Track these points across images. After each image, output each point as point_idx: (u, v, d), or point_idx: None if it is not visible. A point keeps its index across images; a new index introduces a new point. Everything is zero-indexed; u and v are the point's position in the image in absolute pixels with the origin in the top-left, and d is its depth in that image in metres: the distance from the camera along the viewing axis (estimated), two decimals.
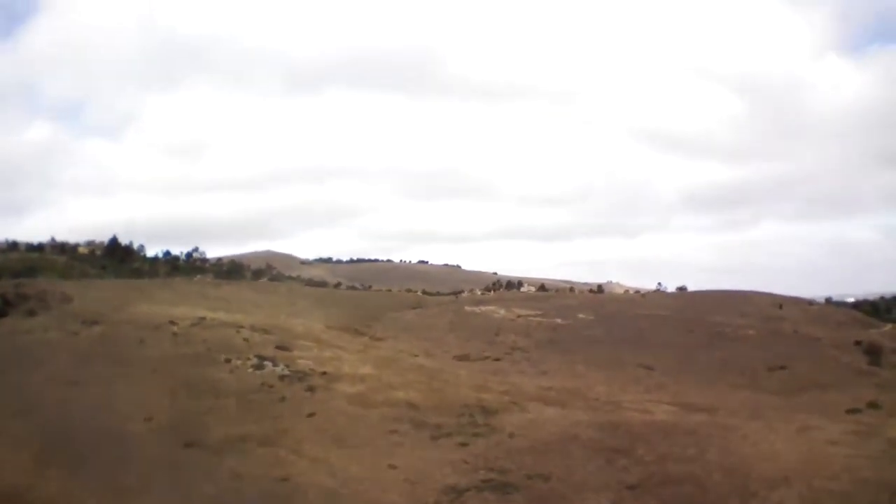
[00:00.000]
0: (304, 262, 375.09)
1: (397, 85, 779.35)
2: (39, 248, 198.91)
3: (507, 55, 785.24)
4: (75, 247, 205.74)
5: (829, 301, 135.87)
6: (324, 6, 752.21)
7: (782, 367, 71.57)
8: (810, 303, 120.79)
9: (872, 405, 53.66)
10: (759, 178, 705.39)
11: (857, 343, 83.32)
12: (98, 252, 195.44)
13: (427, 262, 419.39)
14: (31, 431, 41.18)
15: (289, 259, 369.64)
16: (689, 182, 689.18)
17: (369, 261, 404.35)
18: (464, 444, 43.61)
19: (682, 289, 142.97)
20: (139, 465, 38.47)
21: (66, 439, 40.64)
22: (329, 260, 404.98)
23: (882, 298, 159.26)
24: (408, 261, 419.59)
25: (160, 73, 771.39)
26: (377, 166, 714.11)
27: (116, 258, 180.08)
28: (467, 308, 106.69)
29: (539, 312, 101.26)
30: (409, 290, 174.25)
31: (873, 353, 79.42)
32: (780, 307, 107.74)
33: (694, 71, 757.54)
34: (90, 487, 35.31)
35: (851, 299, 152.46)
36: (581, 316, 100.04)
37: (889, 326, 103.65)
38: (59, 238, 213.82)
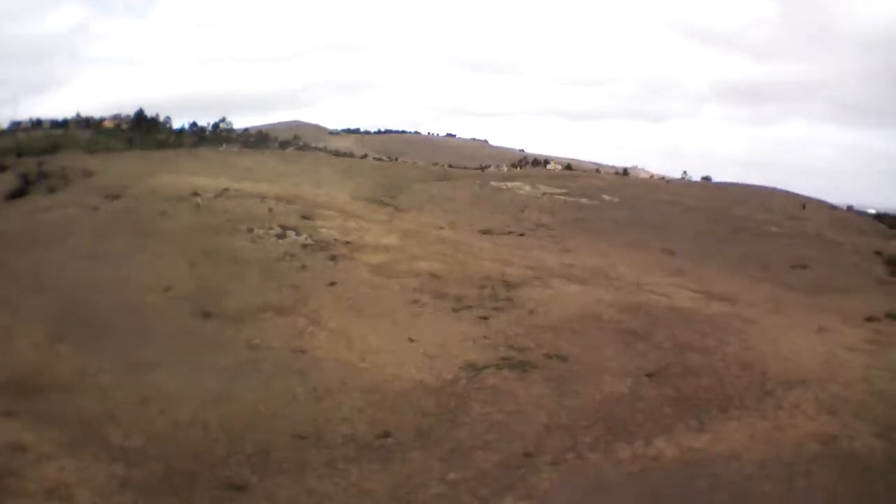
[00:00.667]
0: (332, 133, 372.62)
1: None
2: (64, 124, 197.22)
3: None
4: (100, 121, 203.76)
5: (850, 209, 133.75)
6: None
7: (804, 266, 70.84)
8: (833, 207, 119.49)
9: (891, 316, 53.07)
10: (789, 77, 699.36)
11: (878, 253, 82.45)
12: (124, 126, 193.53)
13: (455, 136, 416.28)
14: (46, 307, 40.75)
15: (317, 129, 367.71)
16: (719, 74, 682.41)
17: (397, 132, 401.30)
18: (484, 318, 43.45)
19: (706, 179, 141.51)
20: (155, 337, 38.33)
21: (81, 314, 40.36)
22: (357, 131, 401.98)
23: None
24: (435, 133, 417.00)
25: None
26: (408, 39, 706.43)
27: (142, 131, 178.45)
28: (493, 183, 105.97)
29: (564, 191, 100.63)
30: (435, 164, 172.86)
31: (893, 263, 78.63)
32: (804, 207, 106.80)
33: None
34: (104, 363, 35.10)
35: (873, 210, 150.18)
36: (606, 197, 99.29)
37: None
38: (85, 114, 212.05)
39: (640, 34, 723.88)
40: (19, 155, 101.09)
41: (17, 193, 68.44)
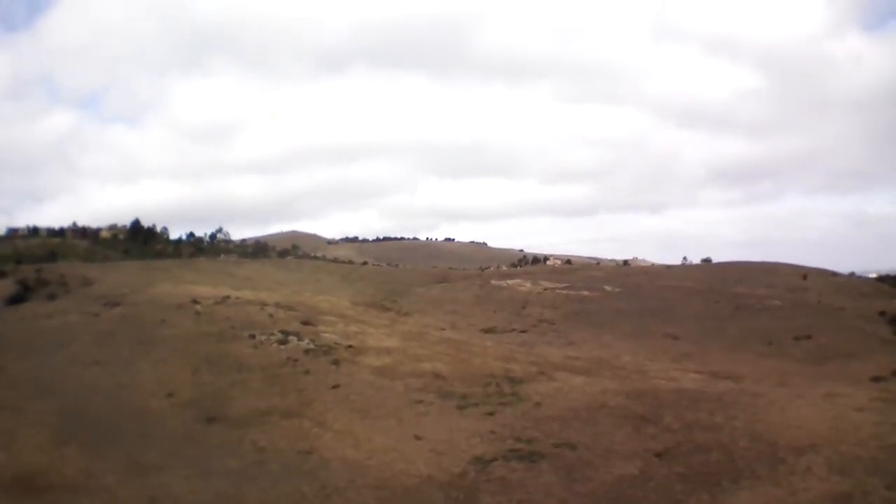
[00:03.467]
0: (331, 242, 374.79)
1: (420, 63, 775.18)
2: (61, 233, 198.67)
3: (529, 31, 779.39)
4: (97, 231, 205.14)
5: (853, 275, 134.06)
6: None
7: (808, 337, 71.04)
8: (834, 274, 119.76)
9: None
10: (782, 152, 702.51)
11: (882, 313, 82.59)
12: (120, 236, 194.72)
13: (453, 240, 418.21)
14: (51, 411, 40.75)
15: (315, 239, 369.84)
16: (713, 156, 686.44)
17: (395, 239, 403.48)
18: (490, 414, 43.19)
19: (706, 261, 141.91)
20: (160, 441, 38.19)
21: (85, 418, 40.35)
22: (355, 239, 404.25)
23: None
24: (434, 239, 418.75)
25: (182, 58, 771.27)
26: (402, 145, 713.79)
27: (139, 241, 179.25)
28: (493, 282, 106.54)
29: (565, 285, 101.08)
30: (434, 267, 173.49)
31: None
32: (805, 278, 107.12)
33: (715, 45, 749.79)
34: (110, 465, 34.79)
35: (874, 274, 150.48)
36: (607, 288, 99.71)
37: None
38: (81, 223, 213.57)
39: (631, 121, 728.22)
40: (18, 262, 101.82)
41: (17, 299, 69.15)
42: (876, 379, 51.06)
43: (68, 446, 36.64)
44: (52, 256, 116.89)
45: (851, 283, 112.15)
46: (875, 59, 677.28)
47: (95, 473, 34.06)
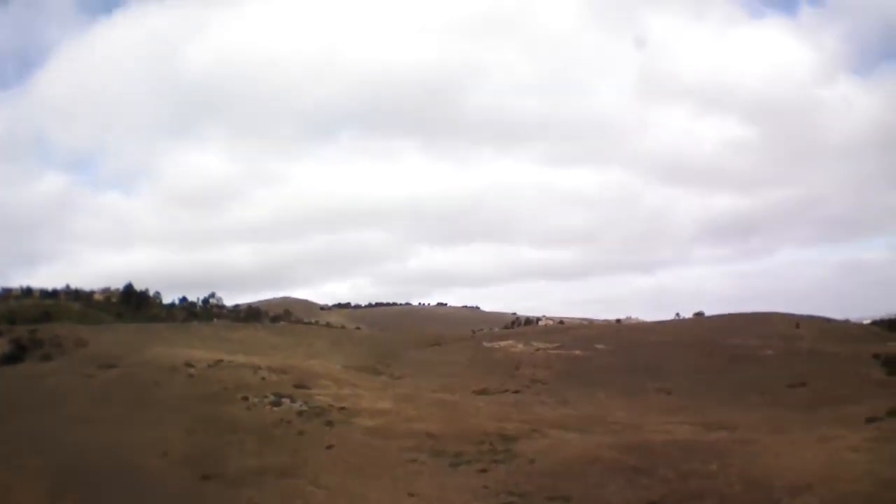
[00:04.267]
0: (323, 308, 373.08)
1: (410, 127, 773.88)
2: (54, 294, 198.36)
3: (518, 93, 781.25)
4: (90, 294, 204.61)
5: (846, 321, 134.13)
6: (338, 51, 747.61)
7: (802, 384, 71.21)
8: (827, 320, 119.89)
9: (892, 413, 53.15)
10: (773, 205, 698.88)
11: (875, 356, 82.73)
12: (113, 299, 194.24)
13: (446, 305, 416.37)
14: (46, 468, 41.25)
15: (307, 305, 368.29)
16: (704, 213, 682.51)
17: (388, 304, 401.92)
18: (483, 471, 43.23)
19: (699, 314, 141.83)
20: (155, 497, 38.69)
21: (80, 474, 40.76)
22: (347, 305, 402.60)
23: None
24: (426, 304, 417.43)
25: (173, 122, 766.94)
26: (393, 211, 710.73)
27: (132, 305, 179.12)
28: (486, 344, 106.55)
29: (557, 345, 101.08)
30: (426, 330, 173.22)
31: (891, 364, 78.78)
32: (797, 326, 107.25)
33: (704, 99, 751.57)
34: None
35: (868, 321, 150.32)
36: (599, 346, 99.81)
37: None
38: (74, 286, 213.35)
39: (622, 183, 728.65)
40: (12, 322, 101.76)
41: (12, 359, 69.36)
42: (871, 420, 51.13)
43: (64, 501, 37.18)
44: (46, 317, 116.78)
45: (845, 329, 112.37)
46: (864, 103, 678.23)
47: None
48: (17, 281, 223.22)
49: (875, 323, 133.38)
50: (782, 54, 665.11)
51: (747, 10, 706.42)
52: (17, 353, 71.48)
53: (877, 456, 38.09)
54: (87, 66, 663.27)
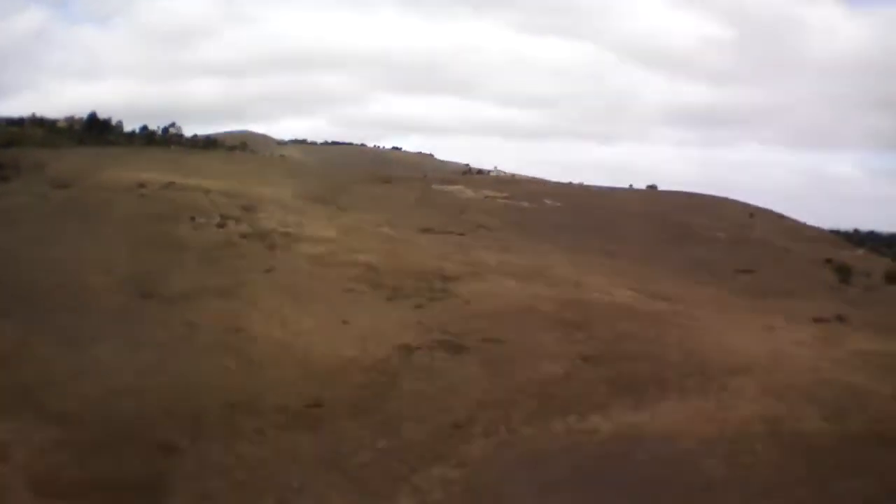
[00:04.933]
0: (280, 143, 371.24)
1: None
2: (20, 122, 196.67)
3: None
4: (54, 122, 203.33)
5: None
6: None
7: (750, 271, 70.93)
8: (782, 216, 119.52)
9: (840, 318, 52.96)
10: (742, 102, 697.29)
11: (828, 261, 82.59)
12: (77, 127, 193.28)
13: (400, 149, 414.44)
14: None
15: (265, 139, 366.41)
16: (671, 99, 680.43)
17: (343, 144, 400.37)
18: (419, 307, 43.52)
19: (652, 187, 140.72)
20: (96, 315, 38.82)
21: (24, 293, 40.70)
22: (304, 141, 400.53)
23: (856, 231, 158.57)
24: (381, 146, 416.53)
25: None
26: (358, 57, 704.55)
27: (94, 132, 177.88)
28: (435, 186, 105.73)
29: (506, 195, 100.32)
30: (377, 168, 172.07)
31: (843, 271, 78.63)
32: (751, 216, 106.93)
33: None
34: (46, 338, 35.51)
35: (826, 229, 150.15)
36: (548, 202, 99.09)
37: (862, 251, 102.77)
38: (41, 115, 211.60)
39: (590, 55, 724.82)
40: None
41: None
42: (818, 320, 50.90)
43: (5, 320, 37.25)
44: (8, 144, 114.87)
45: (799, 228, 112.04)
46: (849, 31, 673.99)
47: (31, 345, 34.96)
48: None
49: (833, 232, 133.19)
50: None
51: None
52: None
53: (819, 353, 38.26)
54: None
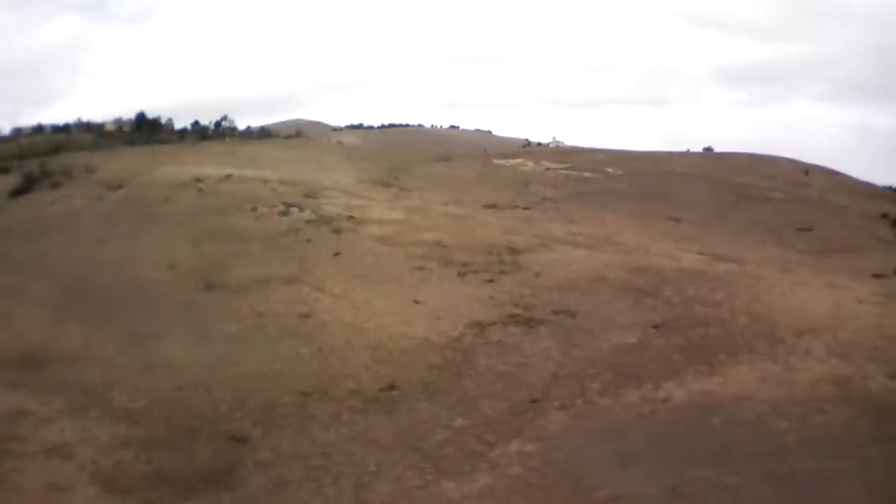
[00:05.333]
0: (336, 129, 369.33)
1: None
2: (65, 128, 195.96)
3: None
4: (102, 125, 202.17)
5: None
6: None
7: (809, 229, 70.24)
8: (836, 173, 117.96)
9: None
10: (789, 58, 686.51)
11: (884, 216, 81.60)
12: (125, 128, 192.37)
13: (458, 128, 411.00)
14: (52, 290, 41.16)
15: (320, 126, 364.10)
16: (719, 58, 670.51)
17: (401, 126, 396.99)
18: (490, 281, 42.93)
19: (708, 149, 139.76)
20: (159, 310, 38.64)
21: (85, 294, 40.69)
22: (360, 126, 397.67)
23: None
24: (439, 126, 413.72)
25: None
26: (407, 34, 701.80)
27: (144, 132, 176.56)
28: (496, 161, 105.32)
29: (568, 165, 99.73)
30: (436, 146, 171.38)
31: None
32: (806, 174, 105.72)
33: None
34: (109, 336, 35.48)
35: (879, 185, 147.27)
36: (609, 170, 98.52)
37: None
38: (86, 120, 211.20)
39: (638, 20, 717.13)
40: (21, 158, 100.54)
41: (21, 191, 68.41)
42: (877, 276, 50.43)
43: (69, 321, 37.14)
44: (56, 150, 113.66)
45: (853, 184, 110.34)
46: None
47: (94, 344, 34.83)
48: (29, 121, 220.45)
49: (887, 188, 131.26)
50: None
51: None
52: (27, 185, 70.24)
53: (883, 310, 37.39)
54: None
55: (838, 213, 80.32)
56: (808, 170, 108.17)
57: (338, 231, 52.28)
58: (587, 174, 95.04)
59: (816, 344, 32.10)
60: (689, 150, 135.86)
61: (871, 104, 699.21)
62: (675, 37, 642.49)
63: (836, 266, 53.17)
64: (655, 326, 35.26)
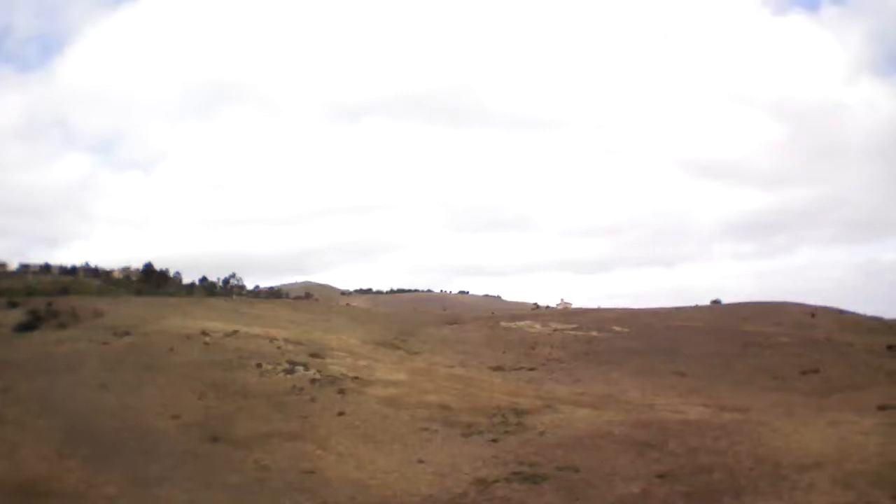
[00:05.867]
0: (344, 293, 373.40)
1: (437, 118, 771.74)
2: (73, 271, 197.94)
3: (545, 87, 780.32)
4: (109, 272, 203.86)
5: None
6: (361, 44, 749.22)
7: (815, 371, 70.81)
8: (842, 312, 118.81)
9: None
10: (797, 203, 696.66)
11: (890, 347, 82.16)
12: (133, 277, 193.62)
13: (467, 293, 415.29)
14: (56, 428, 41.23)
15: (328, 290, 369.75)
16: (728, 210, 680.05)
17: (409, 291, 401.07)
18: (494, 441, 43.04)
19: (715, 302, 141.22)
20: (163, 457, 38.36)
21: (90, 435, 40.69)
22: (369, 290, 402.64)
23: None
24: (448, 291, 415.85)
25: (196, 107, 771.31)
26: (417, 200, 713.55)
27: (152, 283, 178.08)
28: (503, 324, 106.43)
29: (574, 326, 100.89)
30: (444, 310, 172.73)
31: None
32: (813, 315, 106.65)
33: (729, 97, 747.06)
34: (111, 477, 35.05)
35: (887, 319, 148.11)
36: (616, 328, 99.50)
37: None
38: (94, 264, 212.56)
39: (645, 176, 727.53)
40: (29, 295, 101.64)
41: (27, 327, 69.37)
42: (882, 407, 50.72)
43: (71, 459, 37.03)
44: (63, 291, 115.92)
45: (859, 320, 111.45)
46: (887, 103, 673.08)
47: (96, 484, 34.36)
48: (35, 258, 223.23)
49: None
50: (810, 54, 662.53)
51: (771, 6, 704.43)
52: (33, 322, 71.56)
53: (886, 439, 37.77)
54: (109, 47, 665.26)
55: (845, 350, 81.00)
56: (814, 312, 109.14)
57: (342, 391, 52.76)
58: (594, 333, 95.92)
59: (821, 477, 32.26)
60: (696, 305, 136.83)
61: (879, 240, 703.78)
62: (683, 191, 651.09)
63: (840, 404, 53.70)
64: (660, 476, 35.34)
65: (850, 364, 73.65)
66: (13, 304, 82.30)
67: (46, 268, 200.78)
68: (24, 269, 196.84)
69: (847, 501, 28.72)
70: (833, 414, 48.13)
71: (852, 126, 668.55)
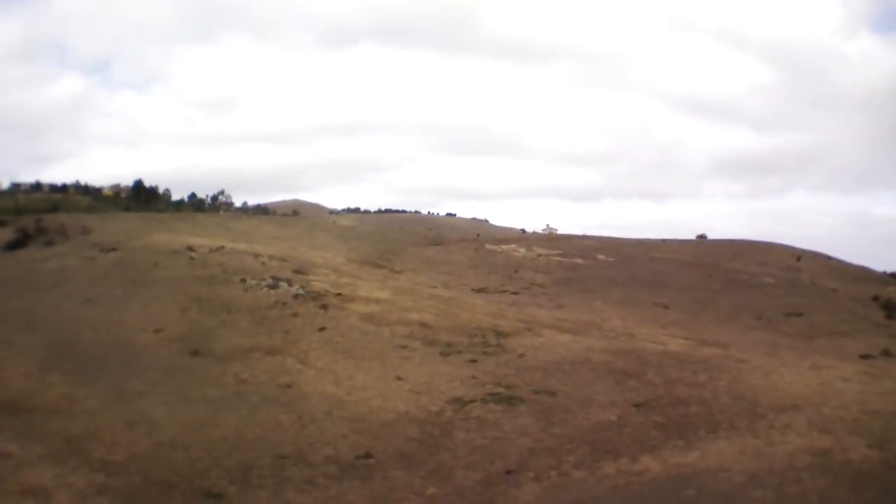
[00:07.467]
0: (332, 212, 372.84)
1: (429, 42, 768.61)
2: (63, 189, 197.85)
3: (539, 16, 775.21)
4: (99, 189, 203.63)
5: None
6: None
7: (798, 314, 70.97)
8: (829, 258, 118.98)
9: (886, 353, 53.12)
10: (788, 148, 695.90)
11: (875, 298, 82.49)
12: (123, 195, 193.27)
13: (455, 215, 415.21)
14: (39, 343, 41.35)
15: (317, 208, 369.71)
16: (719, 148, 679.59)
17: (397, 211, 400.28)
18: (473, 361, 43.30)
19: (701, 237, 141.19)
20: (144, 371, 38.72)
21: (72, 350, 40.86)
22: (357, 210, 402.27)
23: None
24: (436, 213, 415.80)
25: (190, 30, 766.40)
26: (407, 122, 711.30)
27: (141, 200, 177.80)
28: (488, 246, 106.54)
29: (559, 252, 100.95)
30: (430, 230, 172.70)
31: (890, 307, 78.52)
32: (799, 259, 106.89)
33: (724, 38, 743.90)
34: (93, 391, 35.45)
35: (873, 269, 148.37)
36: (601, 257, 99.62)
37: None
38: (85, 182, 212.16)
39: (637, 109, 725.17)
40: (18, 213, 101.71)
41: (16, 245, 69.45)
42: (864, 356, 51.10)
43: (53, 374, 37.21)
44: (53, 209, 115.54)
45: (845, 268, 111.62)
46: (884, 60, 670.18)
47: (78, 399, 34.68)
48: (27, 177, 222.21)
49: (883, 273, 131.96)
50: (808, 3, 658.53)
51: None
52: (21, 240, 71.66)
53: (866, 387, 37.77)
54: None
55: (829, 297, 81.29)
56: (800, 255, 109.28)
57: (324, 307, 52.77)
58: (578, 260, 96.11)
59: (798, 419, 32.27)
60: (682, 239, 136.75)
61: (870, 192, 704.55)
62: (675, 127, 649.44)
63: (823, 349, 53.89)
64: (636, 405, 35.56)
65: (835, 310, 73.89)
66: (2, 223, 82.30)
67: (37, 186, 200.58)
68: (16, 187, 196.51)
69: (823, 446, 28.68)
70: (815, 357, 48.27)
71: (848, 79, 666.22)
